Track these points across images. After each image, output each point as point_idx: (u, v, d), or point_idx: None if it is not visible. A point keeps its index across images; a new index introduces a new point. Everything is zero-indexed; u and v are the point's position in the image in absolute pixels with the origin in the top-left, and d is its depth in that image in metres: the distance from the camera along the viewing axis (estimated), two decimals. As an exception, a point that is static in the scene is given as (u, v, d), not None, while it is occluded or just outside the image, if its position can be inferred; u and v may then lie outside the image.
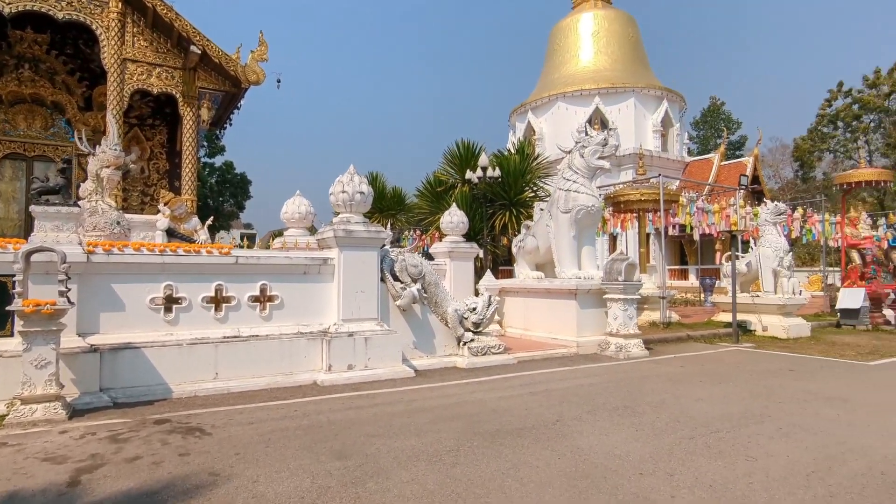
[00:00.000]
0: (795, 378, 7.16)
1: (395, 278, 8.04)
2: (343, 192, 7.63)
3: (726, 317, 12.69)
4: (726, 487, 3.36)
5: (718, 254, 20.86)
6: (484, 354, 8.36)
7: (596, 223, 10.64)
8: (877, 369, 7.95)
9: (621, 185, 13.90)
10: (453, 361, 8.29)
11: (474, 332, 8.55)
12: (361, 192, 7.68)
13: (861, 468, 3.70)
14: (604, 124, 32.50)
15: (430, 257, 11.33)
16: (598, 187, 16.78)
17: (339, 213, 7.85)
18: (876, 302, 13.49)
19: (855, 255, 13.87)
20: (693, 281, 26.55)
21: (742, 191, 13.72)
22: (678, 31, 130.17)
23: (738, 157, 36.38)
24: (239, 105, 14.22)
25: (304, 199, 10.29)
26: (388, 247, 8.40)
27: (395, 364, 7.41)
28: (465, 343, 8.39)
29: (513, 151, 16.36)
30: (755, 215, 13.41)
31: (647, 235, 30.79)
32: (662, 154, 30.47)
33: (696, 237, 17.34)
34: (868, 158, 17.71)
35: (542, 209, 11.34)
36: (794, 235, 21.03)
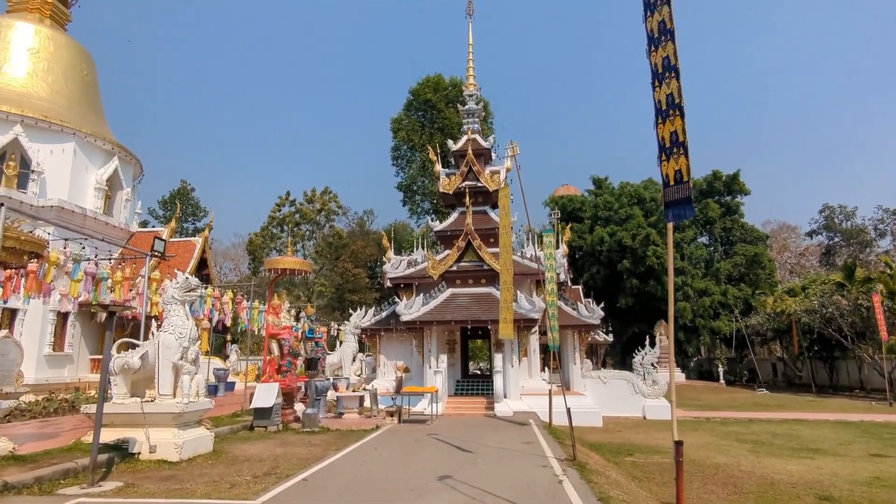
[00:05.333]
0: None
1: None
2: None
3: (111, 434, 8.78)
4: None
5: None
6: None
7: None
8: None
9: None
10: None
11: None
12: None
13: None
14: (25, 163, 24.43)
15: None
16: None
17: None
18: (288, 397, 12.70)
19: (275, 346, 13.01)
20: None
21: (155, 258, 10.72)
22: (156, 105, 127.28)
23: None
24: None
25: None
26: None
27: None
28: None
29: None
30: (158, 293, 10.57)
31: (66, 314, 23.79)
32: (101, 217, 24.96)
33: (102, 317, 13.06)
34: (301, 253, 18.46)
35: None
36: (228, 323, 19.77)
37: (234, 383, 23.75)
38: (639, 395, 19.93)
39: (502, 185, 21.65)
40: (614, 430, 16.06)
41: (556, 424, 14.11)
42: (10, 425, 11.56)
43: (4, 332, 18.27)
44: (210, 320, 16.82)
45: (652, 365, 20.61)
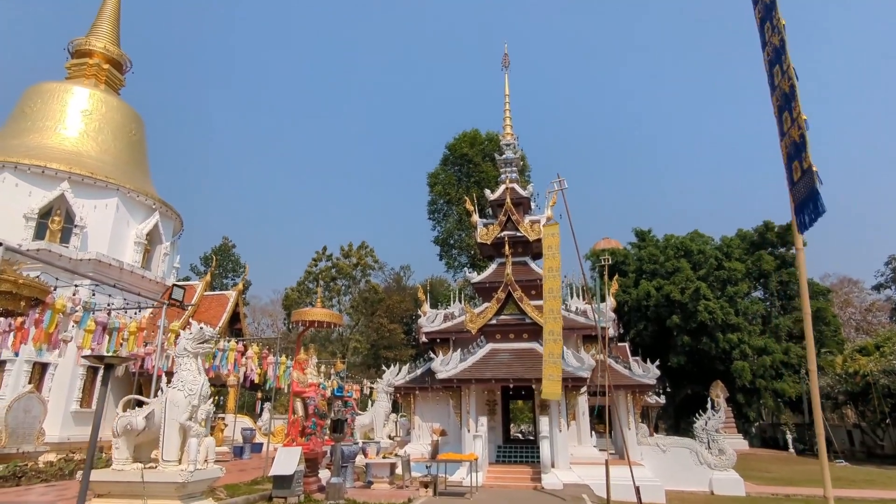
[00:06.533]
0: None
1: None
2: None
3: (105, 505, 7.70)
4: None
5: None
6: None
7: None
8: None
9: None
10: None
11: None
12: None
13: None
14: (69, 218, 24.98)
15: None
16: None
17: None
18: (312, 463, 11.40)
19: (299, 406, 11.85)
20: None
21: (171, 306, 10.02)
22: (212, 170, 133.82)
23: (244, 298, 34.47)
24: None
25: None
26: None
27: None
28: None
29: None
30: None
31: (96, 369, 23.33)
32: (138, 270, 25.01)
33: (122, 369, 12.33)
34: (337, 307, 17.63)
35: None
36: (255, 379, 18.83)
37: (261, 444, 22.50)
38: (704, 465, 17.62)
39: (550, 222, 20.49)
40: (681, 509, 13.95)
41: (614, 501, 12.24)
42: (14, 490, 10.65)
43: (30, 387, 17.78)
44: (237, 377, 15.90)
45: (716, 430, 18.34)
